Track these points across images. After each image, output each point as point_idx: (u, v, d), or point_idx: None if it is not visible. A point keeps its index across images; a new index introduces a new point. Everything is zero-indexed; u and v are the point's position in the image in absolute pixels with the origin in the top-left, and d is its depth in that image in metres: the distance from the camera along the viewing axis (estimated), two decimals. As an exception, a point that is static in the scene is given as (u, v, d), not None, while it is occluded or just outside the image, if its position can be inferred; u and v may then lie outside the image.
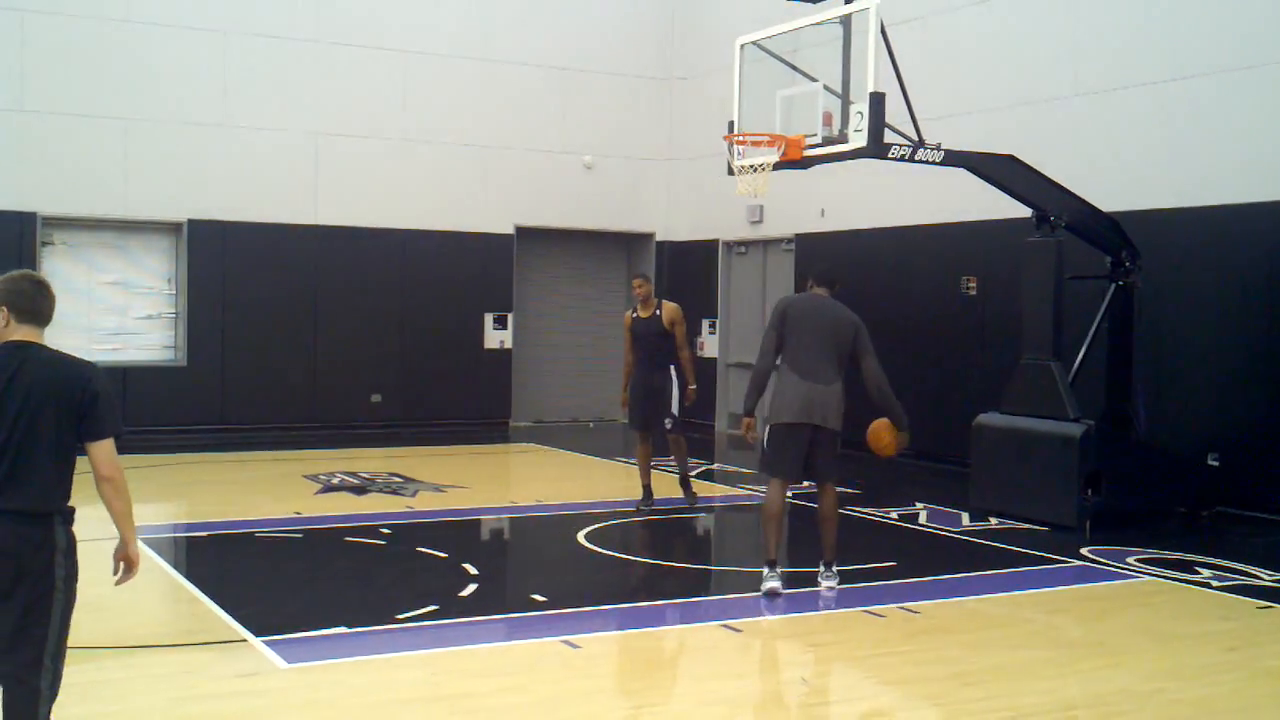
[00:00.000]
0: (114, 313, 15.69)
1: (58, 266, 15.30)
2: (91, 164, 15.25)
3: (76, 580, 4.20)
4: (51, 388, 4.12)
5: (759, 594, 7.69)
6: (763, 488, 12.34)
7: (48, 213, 15.11)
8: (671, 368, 10.54)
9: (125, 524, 4.25)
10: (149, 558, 8.54)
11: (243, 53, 15.98)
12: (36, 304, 4.24)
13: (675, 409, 10.53)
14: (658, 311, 10.54)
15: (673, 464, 10.92)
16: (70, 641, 4.21)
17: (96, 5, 15.24)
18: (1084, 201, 10.84)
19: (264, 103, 16.11)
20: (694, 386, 10.70)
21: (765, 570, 7.75)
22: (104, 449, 4.15)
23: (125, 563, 4.29)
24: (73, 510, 4.21)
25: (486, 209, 17.45)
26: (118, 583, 4.30)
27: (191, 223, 15.75)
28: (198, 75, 15.75)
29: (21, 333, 4.21)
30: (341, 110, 16.54)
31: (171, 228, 15.87)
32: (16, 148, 14.87)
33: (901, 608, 7.48)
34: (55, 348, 4.26)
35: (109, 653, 6.30)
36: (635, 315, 10.69)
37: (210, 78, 15.83)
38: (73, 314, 15.32)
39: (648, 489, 10.70)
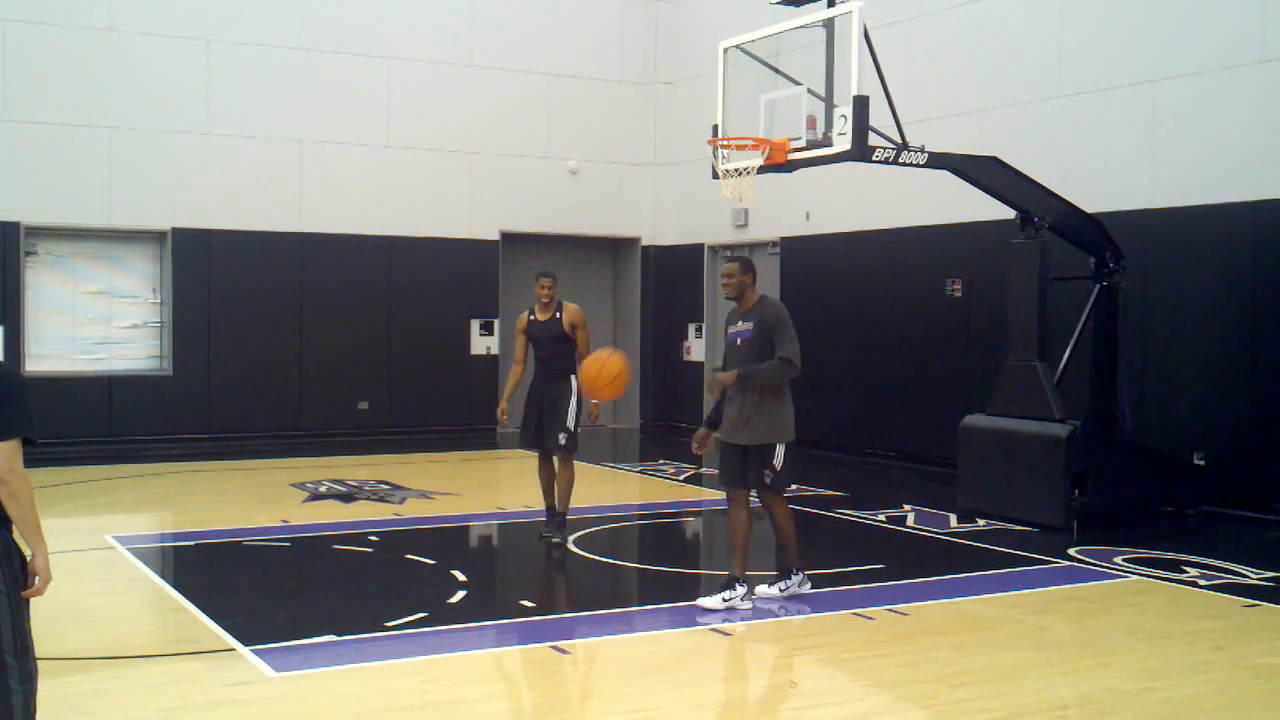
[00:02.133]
0: (99, 322, 15.62)
1: (41, 277, 15.26)
2: (75, 173, 15.19)
3: (17, 581, 4.02)
4: None
5: (756, 599, 7.72)
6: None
7: (31, 222, 15.03)
8: (571, 378, 9.53)
9: (27, 532, 4.02)
10: (136, 568, 8.53)
11: (226, 60, 15.93)
12: None
13: (572, 423, 9.49)
14: (558, 314, 9.66)
15: (662, 467, 10.86)
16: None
17: (79, 14, 15.18)
18: (1068, 202, 10.89)
19: (248, 110, 16.07)
20: (596, 402, 9.36)
21: (798, 575, 7.81)
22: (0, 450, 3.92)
23: (34, 576, 4.06)
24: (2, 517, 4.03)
25: (472, 215, 17.44)
26: (25, 596, 4.05)
27: (176, 231, 15.70)
28: (181, 83, 15.71)
29: None
30: (326, 117, 16.50)
31: (156, 236, 15.82)
32: (-1, 157, 14.84)
33: (890, 610, 7.49)
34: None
35: (98, 663, 6.26)
36: (532, 318, 9.85)
37: (194, 86, 15.79)
38: (57, 324, 15.29)
39: (551, 509, 9.74)
